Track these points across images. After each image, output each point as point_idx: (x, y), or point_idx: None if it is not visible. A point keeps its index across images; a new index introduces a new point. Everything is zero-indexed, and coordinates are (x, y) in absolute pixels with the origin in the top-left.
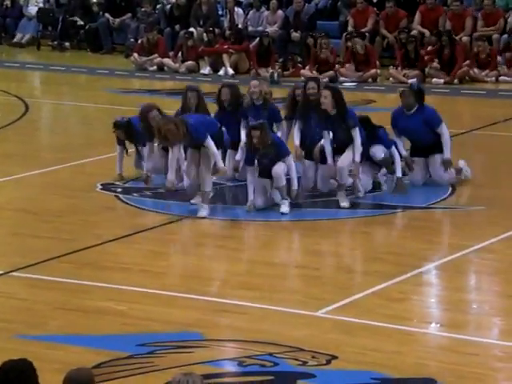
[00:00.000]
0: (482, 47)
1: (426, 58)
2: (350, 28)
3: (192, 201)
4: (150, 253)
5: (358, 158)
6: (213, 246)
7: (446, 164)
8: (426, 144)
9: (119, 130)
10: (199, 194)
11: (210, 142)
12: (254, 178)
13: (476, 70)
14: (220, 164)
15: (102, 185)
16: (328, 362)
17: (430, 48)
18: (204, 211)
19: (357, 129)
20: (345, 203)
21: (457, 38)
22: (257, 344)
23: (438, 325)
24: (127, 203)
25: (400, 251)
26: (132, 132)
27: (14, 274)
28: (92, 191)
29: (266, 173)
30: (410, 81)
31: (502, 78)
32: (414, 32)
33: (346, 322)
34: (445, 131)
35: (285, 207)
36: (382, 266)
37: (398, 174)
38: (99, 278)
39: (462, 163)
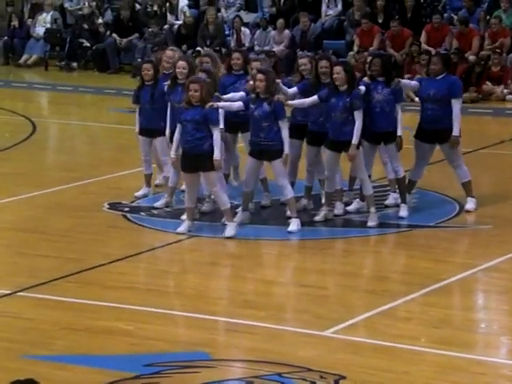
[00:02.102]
0: (497, 60)
1: None
2: (355, 48)
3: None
4: (158, 272)
5: (356, 141)
6: (220, 265)
7: (454, 142)
8: (439, 116)
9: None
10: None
11: (218, 129)
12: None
13: (489, 83)
14: (217, 156)
15: (108, 204)
16: (336, 382)
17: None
18: (231, 230)
19: (361, 111)
20: (372, 223)
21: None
22: (264, 364)
23: (447, 344)
24: (134, 222)
25: (408, 270)
26: None
27: (20, 293)
28: (99, 210)
29: (257, 127)
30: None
31: (508, 96)
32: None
33: (354, 341)
34: (458, 106)
35: (293, 226)
36: (390, 285)
37: (400, 132)
38: (106, 297)
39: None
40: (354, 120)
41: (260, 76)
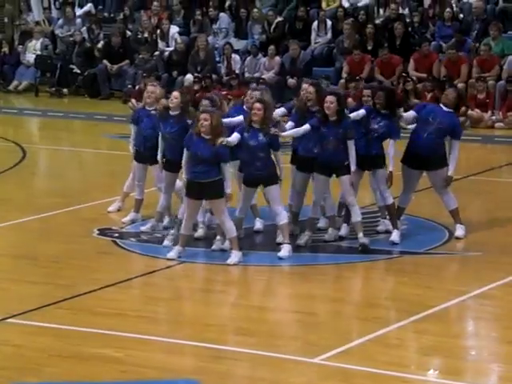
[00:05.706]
0: (481, 87)
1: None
2: (344, 75)
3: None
4: (148, 298)
5: (354, 168)
6: (210, 291)
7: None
8: (430, 143)
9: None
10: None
11: (228, 166)
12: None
13: (477, 110)
14: (228, 190)
15: (98, 230)
16: None
17: (429, 95)
18: (235, 258)
19: (353, 141)
20: (364, 240)
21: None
22: None
23: (437, 371)
24: (124, 248)
25: (398, 297)
26: None
27: (9, 320)
28: (89, 236)
29: (251, 156)
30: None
31: (497, 124)
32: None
33: (345, 368)
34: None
35: (284, 252)
36: (380, 311)
37: (391, 168)
38: (96, 324)
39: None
40: (346, 148)
41: (258, 105)
